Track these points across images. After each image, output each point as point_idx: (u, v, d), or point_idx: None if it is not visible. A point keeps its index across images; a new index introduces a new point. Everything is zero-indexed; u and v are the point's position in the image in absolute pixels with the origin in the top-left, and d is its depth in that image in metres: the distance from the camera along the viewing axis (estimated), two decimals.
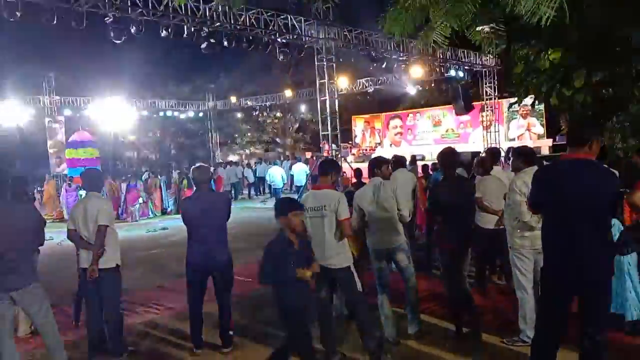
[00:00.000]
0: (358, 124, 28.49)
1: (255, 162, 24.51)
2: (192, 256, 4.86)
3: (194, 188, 5.11)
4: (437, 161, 5.08)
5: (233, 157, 32.55)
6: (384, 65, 15.94)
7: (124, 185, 16.80)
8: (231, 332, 4.97)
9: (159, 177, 18.36)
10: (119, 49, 13.20)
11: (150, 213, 16.84)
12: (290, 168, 20.62)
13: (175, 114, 27.93)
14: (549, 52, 7.21)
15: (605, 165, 4.26)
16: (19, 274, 4.08)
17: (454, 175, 4.93)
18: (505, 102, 19.97)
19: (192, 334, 4.97)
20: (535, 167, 4.38)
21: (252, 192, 22.69)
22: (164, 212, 17.35)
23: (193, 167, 5.10)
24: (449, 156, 4.90)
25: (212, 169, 20.39)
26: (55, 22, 9.58)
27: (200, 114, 29.49)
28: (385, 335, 4.74)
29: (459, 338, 4.80)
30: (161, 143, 36.25)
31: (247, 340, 5.14)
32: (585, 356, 3.36)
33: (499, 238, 5.59)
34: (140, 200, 16.62)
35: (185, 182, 17.04)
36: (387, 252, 4.86)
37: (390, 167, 5.22)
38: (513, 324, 4.80)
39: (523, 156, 4.75)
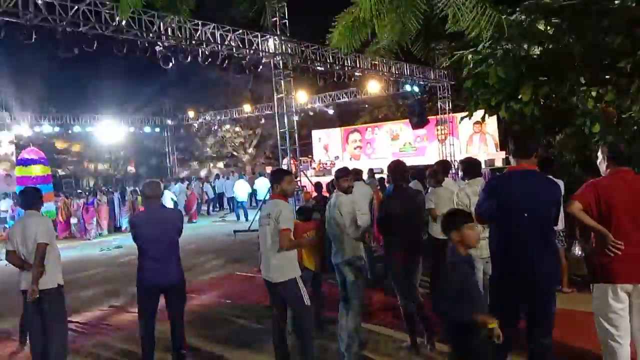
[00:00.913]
0: (317, 138, 28.61)
1: (214, 178, 24.24)
2: (143, 274, 4.73)
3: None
4: (388, 173, 5.14)
5: (202, 172, 32.15)
6: (341, 81, 16.14)
7: (80, 202, 16.31)
8: (184, 352, 4.86)
9: (114, 193, 17.92)
10: (77, 64, 12.88)
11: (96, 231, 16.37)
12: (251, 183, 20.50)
13: (131, 129, 27.37)
14: (498, 67, 7.44)
15: (550, 176, 4.44)
16: None
17: (404, 187, 5.00)
18: (458, 116, 20.48)
19: (144, 355, 4.82)
20: (480, 179, 4.51)
21: (211, 208, 22.42)
22: (118, 229, 16.93)
23: (144, 182, 5.01)
24: (397, 168, 4.97)
25: (183, 185, 19.99)
26: (2, 36, 9.28)
27: (157, 129, 28.99)
28: (340, 349, 4.70)
29: (413, 348, 4.83)
30: (117, 159, 35.46)
31: (202, 356, 5.03)
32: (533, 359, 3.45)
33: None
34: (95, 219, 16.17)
35: (139, 198, 16.67)
36: (336, 266, 4.81)
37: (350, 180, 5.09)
38: None
39: (467, 168, 4.88)
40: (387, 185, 10.09)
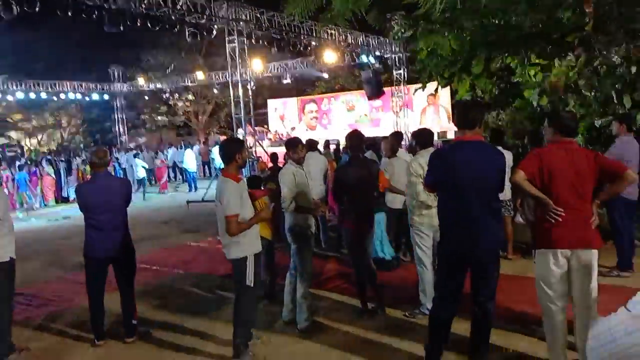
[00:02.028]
0: (273, 108, 28.33)
1: (166, 147, 23.70)
2: (90, 244, 4.62)
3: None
4: (345, 142, 5.15)
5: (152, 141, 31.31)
6: (297, 49, 15.94)
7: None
8: (135, 322, 4.80)
9: (60, 163, 17.27)
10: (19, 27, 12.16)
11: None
12: (200, 153, 20.18)
13: (78, 96, 26.28)
14: (451, 39, 7.52)
15: (500, 147, 4.56)
16: None
17: (360, 157, 5.04)
18: (413, 88, 20.68)
19: (93, 326, 4.75)
20: (431, 149, 4.59)
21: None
22: (65, 200, 16.39)
23: (91, 150, 4.83)
24: (355, 138, 5.00)
25: (137, 154, 19.30)
26: None
27: (106, 97, 27.95)
28: (283, 315, 4.79)
29: (365, 313, 4.95)
30: (63, 127, 34.14)
31: (152, 330, 4.98)
32: (476, 322, 3.61)
33: (404, 217, 5.82)
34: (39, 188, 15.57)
35: (88, 168, 16.16)
36: (287, 235, 4.82)
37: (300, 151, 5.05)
38: (415, 297, 5.04)
39: (418, 139, 4.95)
40: (342, 155, 10.16)
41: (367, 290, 5.00)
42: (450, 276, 3.60)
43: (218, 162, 18.13)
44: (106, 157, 4.75)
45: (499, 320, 4.08)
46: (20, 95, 23.41)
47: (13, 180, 15.00)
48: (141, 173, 16.84)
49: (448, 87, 9.56)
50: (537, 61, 7.75)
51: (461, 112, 3.56)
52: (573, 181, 3.39)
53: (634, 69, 6.87)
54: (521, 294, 5.03)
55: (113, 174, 16.03)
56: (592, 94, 7.16)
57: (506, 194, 6.20)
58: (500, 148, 6.43)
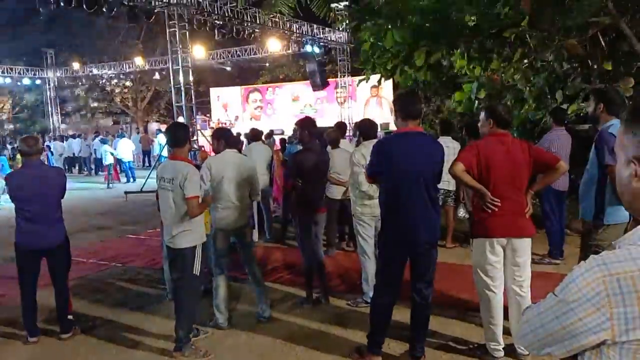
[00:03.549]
0: (215, 96, 27.82)
1: (93, 136, 22.77)
2: (21, 236, 4.36)
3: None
4: (297, 130, 5.11)
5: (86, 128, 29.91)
6: (241, 37, 15.69)
7: None
8: (70, 317, 4.61)
9: None
10: None
11: None
12: (140, 142, 19.55)
13: (7, 81, 24.81)
14: (394, 31, 7.60)
15: (449, 138, 4.64)
16: None
17: (315, 144, 5.04)
18: (357, 79, 20.87)
19: (25, 322, 4.51)
20: (374, 141, 4.64)
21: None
22: None
23: (20, 138, 4.55)
24: (309, 125, 4.98)
25: (104, 140, 18.37)
26: None
27: (38, 82, 26.54)
28: (218, 321, 4.54)
29: (309, 303, 4.97)
30: None
31: (89, 324, 4.81)
32: (415, 309, 3.71)
33: (346, 207, 5.88)
34: None
35: (19, 157, 15.32)
36: (234, 231, 4.64)
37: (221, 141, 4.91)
38: (358, 287, 5.11)
39: (361, 130, 5.00)
40: (287, 145, 10.12)
41: (312, 279, 5.02)
42: (391, 264, 3.66)
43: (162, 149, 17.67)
44: (37, 144, 4.49)
45: (437, 307, 4.21)
46: None
47: None
48: (109, 159, 16.31)
49: (391, 80, 9.68)
50: (475, 55, 7.98)
51: (405, 104, 3.60)
52: (509, 172, 3.52)
53: (565, 65, 7.21)
54: (459, 282, 5.20)
55: (46, 163, 15.32)
56: (527, 88, 7.45)
57: (451, 185, 6.39)
58: (449, 138, 6.66)
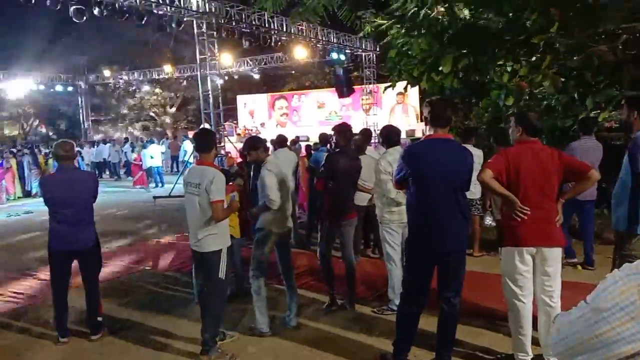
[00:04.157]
0: (242, 103, 28.10)
1: (123, 142, 23.21)
2: (54, 238, 4.49)
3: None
4: (334, 134, 5.11)
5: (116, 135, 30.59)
6: (267, 45, 15.84)
7: None
8: (100, 319, 4.70)
9: (23, 155, 16.71)
10: None
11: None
12: (169, 148, 19.88)
13: (42, 87, 25.53)
14: (420, 38, 7.58)
15: (471, 146, 4.62)
16: None
17: (350, 149, 5.05)
18: (383, 87, 20.84)
19: (57, 323, 4.62)
20: (399, 147, 4.63)
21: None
22: (28, 194, 15.91)
23: (56, 143, 4.69)
24: (346, 131, 5.01)
25: (148, 142, 18.87)
26: None
27: (70, 89, 27.24)
28: (257, 326, 4.52)
29: (333, 309, 4.96)
30: (26, 120, 33.14)
31: (117, 326, 4.89)
32: (443, 318, 3.66)
33: (371, 214, 5.87)
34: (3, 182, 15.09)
35: (50, 162, 15.72)
36: (281, 235, 4.60)
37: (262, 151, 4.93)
38: (384, 294, 5.09)
39: (386, 137, 5.00)
40: (313, 152, 10.15)
41: (334, 284, 5.02)
42: (418, 272, 3.64)
43: (187, 155, 17.94)
44: (73, 150, 4.64)
45: (465, 316, 4.16)
46: None
47: None
48: (149, 162, 16.67)
49: (417, 86, 9.64)
50: (503, 62, 7.90)
51: (437, 110, 3.57)
52: (539, 180, 3.48)
53: (595, 72, 7.08)
54: (487, 291, 5.13)
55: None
56: (556, 95, 7.34)
57: (475, 193, 6.32)
58: (470, 146, 6.60)
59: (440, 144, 3.55)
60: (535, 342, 3.70)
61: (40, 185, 4.71)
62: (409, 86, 9.23)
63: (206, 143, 4.20)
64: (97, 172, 19.34)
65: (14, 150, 18.18)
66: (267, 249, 4.52)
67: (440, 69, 7.85)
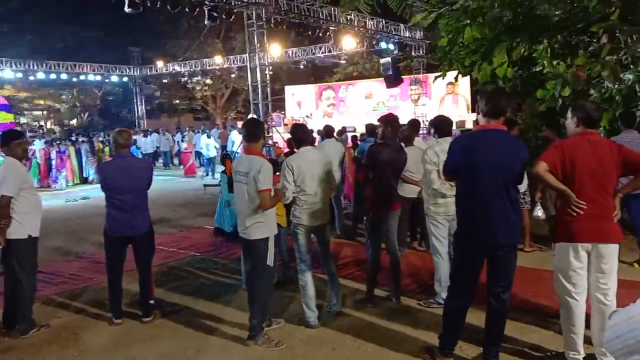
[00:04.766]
0: (290, 94, 28.27)
1: (175, 131, 23.79)
2: (110, 223, 4.68)
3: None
4: (380, 124, 5.08)
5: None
6: (315, 35, 15.86)
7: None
8: (152, 302, 4.87)
9: (82, 143, 17.44)
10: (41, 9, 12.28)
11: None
12: (219, 137, 20.24)
13: (98, 78, 26.52)
14: (473, 26, 7.39)
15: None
16: None
17: (394, 140, 5.01)
18: (432, 76, 20.52)
19: (111, 304, 4.83)
20: (449, 138, 4.54)
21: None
22: (85, 180, 16.60)
23: (114, 131, 4.87)
24: (392, 122, 4.95)
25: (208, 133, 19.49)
26: None
27: (125, 79, 28.17)
28: (306, 318, 4.52)
29: (370, 303, 4.92)
30: (82, 109, 34.51)
31: (168, 309, 5.06)
32: (492, 314, 3.59)
33: (418, 206, 5.80)
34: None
35: (107, 149, 16.34)
36: (316, 229, 4.60)
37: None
38: (430, 287, 5.04)
39: (437, 127, 4.91)
40: (359, 143, 10.12)
41: (377, 278, 5.00)
42: (467, 266, 3.58)
43: (235, 146, 18.24)
44: (130, 138, 4.85)
45: (514, 312, 4.07)
46: (40, 75, 23.71)
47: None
48: (212, 152, 17.06)
49: (468, 76, 9.42)
50: (560, 51, 7.60)
51: (490, 100, 3.47)
52: (596, 173, 3.34)
53: None
54: (538, 287, 5.00)
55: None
56: (615, 85, 7.01)
57: (521, 187, 6.14)
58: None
59: (493, 135, 3.46)
60: (587, 341, 3.58)
61: (97, 171, 4.92)
62: (459, 76, 9.04)
63: (255, 133, 4.27)
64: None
65: (73, 138, 18.99)
66: (302, 242, 4.52)
67: (493, 58, 7.65)
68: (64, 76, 24.69)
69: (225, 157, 8.46)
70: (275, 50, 22.04)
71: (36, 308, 4.87)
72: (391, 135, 4.87)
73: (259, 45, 13.44)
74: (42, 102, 33.86)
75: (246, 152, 4.30)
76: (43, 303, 5.36)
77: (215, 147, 17.15)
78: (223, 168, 8.18)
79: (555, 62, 7.49)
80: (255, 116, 14.54)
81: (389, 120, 4.96)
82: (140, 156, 18.12)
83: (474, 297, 3.62)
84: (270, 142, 14.67)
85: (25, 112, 33.80)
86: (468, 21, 7.56)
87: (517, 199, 3.54)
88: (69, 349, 4.33)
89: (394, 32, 18.14)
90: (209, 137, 17.41)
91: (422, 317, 4.62)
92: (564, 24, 7.17)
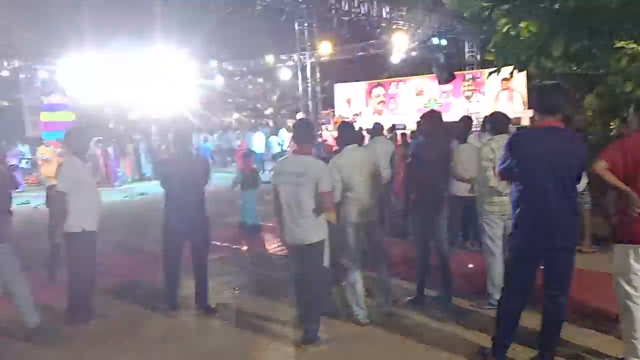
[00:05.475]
0: (339, 92, 28.27)
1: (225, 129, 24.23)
2: (169, 218, 4.86)
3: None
4: (421, 121, 5.01)
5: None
6: (366, 32, 15.81)
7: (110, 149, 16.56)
8: (206, 296, 5.00)
9: (140, 141, 18.10)
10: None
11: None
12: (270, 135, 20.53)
13: None
14: (529, 20, 7.17)
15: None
16: None
17: (440, 137, 4.94)
18: (486, 72, 20.03)
19: (169, 297, 5.00)
20: (505, 135, 4.42)
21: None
22: (143, 177, 17.21)
23: (175, 128, 5.06)
24: (434, 119, 4.89)
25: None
26: None
27: None
28: (355, 316, 4.53)
29: (419, 303, 4.88)
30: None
31: (222, 303, 5.18)
32: (548, 317, 3.49)
33: (471, 205, 5.69)
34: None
35: (163, 147, 16.89)
36: (365, 227, 4.59)
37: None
38: (483, 288, 4.93)
39: (493, 124, 4.79)
40: (409, 140, 10.04)
41: (426, 278, 4.94)
42: (522, 268, 3.49)
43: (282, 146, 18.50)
44: (189, 135, 5.03)
45: (571, 314, 3.93)
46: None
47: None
48: (276, 149, 17.75)
49: (524, 72, 9.15)
50: (622, 45, 7.27)
51: (541, 96, 3.37)
52: None
53: None
54: (597, 289, 4.80)
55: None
56: None
57: (580, 186, 5.91)
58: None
59: (549, 133, 3.35)
60: None
61: (159, 167, 5.13)
62: (515, 71, 8.80)
63: (306, 134, 4.26)
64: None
65: (132, 136, 19.73)
66: (352, 239, 4.51)
67: (550, 52, 7.40)
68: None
69: (246, 155, 9.19)
70: (325, 48, 22.10)
71: (96, 299, 5.11)
72: (434, 132, 4.79)
73: (309, 43, 13.51)
74: None
75: (297, 153, 4.20)
76: (103, 294, 5.60)
77: (279, 144, 17.61)
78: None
79: (617, 57, 7.18)
80: (304, 115, 14.67)
81: (432, 116, 4.89)
82: (209, 153, 18.48)
83: (527, 299, 3.52)
84: (319, 140, 14.76)
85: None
86: (524, 14, 7.34)
87: (576, 199, 3.42)
88: (127, 338, 4.52)
89: (446, 27, 17.82)
90: (269, 136, 17.92)
91: (474, 318, 4.53)
92: (627, 15, 6.84)
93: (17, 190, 5.55)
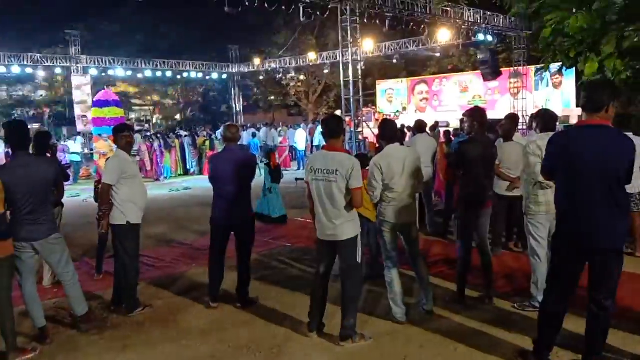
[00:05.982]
0: (382, 89, 28.09)
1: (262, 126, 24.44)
2: (216, 212, 4.98)
3: (218, 148, 5.17)
4: (464, 118, 4.92)
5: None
6: (410, 28, 15.63)
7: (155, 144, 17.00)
8: (248, 289, 5.09)
9: (184, 137, 18.50)
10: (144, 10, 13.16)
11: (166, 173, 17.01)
12: (310, 132, 20.64)
13: (199, 75, 27.99)
14: (579, 15, 6.94)
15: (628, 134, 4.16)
16: (39, 225, 4.19)
17: (484, 135, 4.85)
18: (534, 69, 19.48)
19: (210, 288, 5.10)
20: (552, 133, 4.29)
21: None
22: (187, 172, 17.60)
23: (224, 125, 5.18)
24: (478, 116, 4.80)
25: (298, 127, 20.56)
26: None
27: (224, 76, 29.46)
28: (394, 315, 4.51)
29: (460, 303, 4.80)
30: (184, 105, 36.58)
31: (263, 296, 5.25)
32: (592, 321, 3.38)
33: (516, 205, 5.56)
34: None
35: (208, 143, 17.21)
36: (401, 227, 4.54)
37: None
38: (526, 289, 4.82)
39: (539, 120, 4.65)
40: (452, 138, 9.87)
41: (467, 278, 4.87)
42: (564, 270, 3.40)
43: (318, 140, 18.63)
44: (237, 132, 5.19)
45: (618, 319, 3.81)
46: (148, 73, 25.44)
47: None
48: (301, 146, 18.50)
49: (573, 68, 8.85)
50: None
51: (587, 94, 3.26)
52: None
53: None
54: None
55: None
56: None
57: (635, 187, 5.69)
58: (630, 134, 5.93)
59: (594, 131, 3.24)
60: None
61: (208, 162, 5.27)
62: (564, 68, 8.54)
63: (336, 129, 4.15)
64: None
65: (178, 133, 20.21)
66: (388, 239, 4.50)
67: (601, 49, 7.14)
68: (169, 74, 26.38)
69: (270, 151, 9.51)
70: (367, 45, 21.97)
71: (141, 289, 5.28)
72: (478, 129, 4.70)
73: (351, 40, 13.47)
74: (149, 98, 36.35)
75: (329, 149, 4.12)
76: (147, 285, 5.78)
77: (296, 141, 17.85)
78: (266, 161, 9.02)
79: None
80: (338, 112, 14.68)
81: (475, 113, 4.79)
82: (257, 148, 18.69)
83: (574, 301, 3.42)
84: (360, 137, 14.70)
85: (135, 108, 36.42)
86: (574, 9, 7.11)
87: (624, 201, 3.29)
88: (169, 328, 4.64)
89: (492, 23, 17.41)
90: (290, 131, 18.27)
91: (516, 320, 4.44)
92: None
93: (67, 183, 5.78)
